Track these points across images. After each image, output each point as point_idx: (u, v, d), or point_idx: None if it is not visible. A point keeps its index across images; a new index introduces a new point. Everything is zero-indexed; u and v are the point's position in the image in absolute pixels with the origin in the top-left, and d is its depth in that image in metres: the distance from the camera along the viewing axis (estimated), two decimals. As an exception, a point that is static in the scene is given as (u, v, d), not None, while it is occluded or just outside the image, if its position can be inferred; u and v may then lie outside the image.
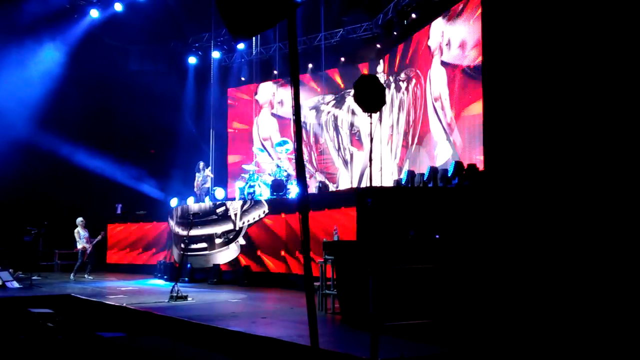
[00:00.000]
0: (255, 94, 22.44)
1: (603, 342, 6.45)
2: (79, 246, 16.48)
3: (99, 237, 17.00)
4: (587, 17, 7.97)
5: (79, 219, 16.68)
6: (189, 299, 11.18)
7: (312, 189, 15.01)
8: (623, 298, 6.95)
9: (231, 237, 14.75)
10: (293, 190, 15.27)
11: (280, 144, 17.87)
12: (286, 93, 21.39)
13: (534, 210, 8.34)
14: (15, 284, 13.75)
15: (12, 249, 16.71)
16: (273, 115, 21.98)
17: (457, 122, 14.72)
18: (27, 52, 18.24)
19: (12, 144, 17.58)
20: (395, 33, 18.21)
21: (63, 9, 19.20)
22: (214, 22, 19.82)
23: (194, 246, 15.16)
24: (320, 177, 19.91)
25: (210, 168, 17.96)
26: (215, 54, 21.19)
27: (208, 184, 17.70)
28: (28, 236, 16.29)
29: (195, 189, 17.58)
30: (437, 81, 15.77)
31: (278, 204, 14.12)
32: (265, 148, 21.57)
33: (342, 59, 20.20)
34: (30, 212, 18.02)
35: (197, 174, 17.49)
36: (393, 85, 18.45)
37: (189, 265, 15.08)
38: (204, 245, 15.18)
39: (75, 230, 16.55)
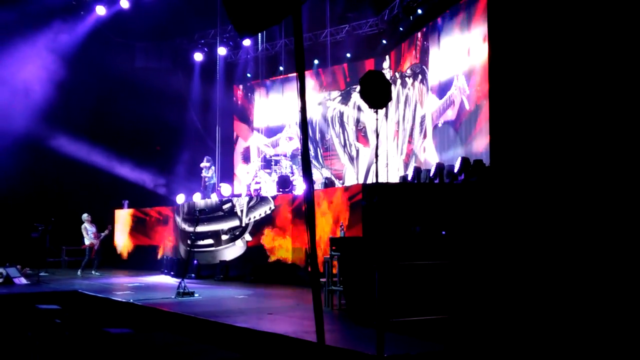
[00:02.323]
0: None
1: (607, 337, 6.44)
2: (87, 242, 16.52)
3: (106, 231, 17.04)
4: (592, 15, 7.94)
5: (85, 215, 16.72)
6: (195, 295, 11.20)
7: (318, 185, 15.02)
8: (631, 291, 6.93)
9: (237, 233, 14.76)
10: (299, 186, 15.28)
11: None
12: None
13: (541, 205, 8.32)
14: (23, 281, 13.81)
15: (19, 245, 16.75)
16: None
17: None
18: (33, 48, 18.26)
19: (19, 141, 17.63)
20: (401, 29, 18.17)
21: (69, 6, 19.25)
22: (219, 19, 19.80)
23: (200, 242, 15.18)
24: (326, 173, 19.91)
25: (209, 164, 17.84)
26: (221, 51, 21.17)
27: (213, 180, 17.72)
28: (35, 232, 16.32)
29: (202, 186, 17.63)
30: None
31: (284, 200, 14.12)
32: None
33: (348, 55, 20.18)
34: (37, 208, 18.08)
35: (203, 170, 17.54)
36: (399, 81, 18.42)
37: (195, 261, 15.11)
38: (210, 241, 15.21)
39: (83, 226, 16.59)
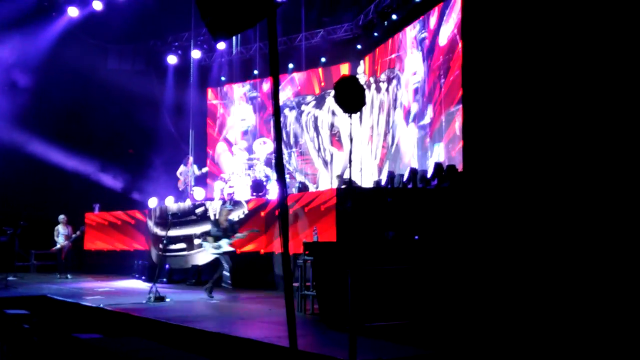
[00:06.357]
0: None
1: (582, 343, 6.51)
2: (58, 245, 16.34)
3: (78, 232, 16.89)
4: (567, 17, 8.03)
5: (61, 216, 16.57)
6: (167, 299, 11.10)
7: (292, 189, 14.98)
8: (601, 299, 7.01)
9: (210, 237, 14.65)
10: (272, 191, 15.23)
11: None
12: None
13: (513, 211, 8.39)
14: (-9, 285, 13.57)
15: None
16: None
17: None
18: (3, 50, 18.00)
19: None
20: (375, 34, 18.27)
21: (41, 7, 19.01)
22: (194, 21, 19.70)
23: (172, 247, 15.04)
24: (300, 177, 19.88)
25: (186, 165, 17.76)
26: (195, 54, 21.06)
27: (196, 173, 17.67)
28: (4, 236, 16.07)
29: (180, 187, 17.51)
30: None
31: (257, 204, 14.06)
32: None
33: (323, 59, 20.21)
34: (5, 212, 17.78)
35: (184, 168, 17.46)
36: (373, 86, 18.49)
37: (167, 265, 14.98)
38: (182, 245, 15.08)
39: (55, 228, 16.43)
